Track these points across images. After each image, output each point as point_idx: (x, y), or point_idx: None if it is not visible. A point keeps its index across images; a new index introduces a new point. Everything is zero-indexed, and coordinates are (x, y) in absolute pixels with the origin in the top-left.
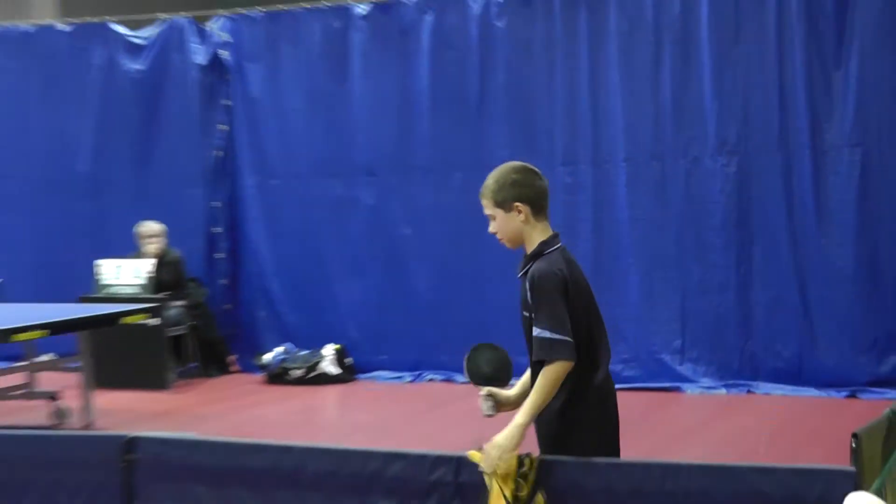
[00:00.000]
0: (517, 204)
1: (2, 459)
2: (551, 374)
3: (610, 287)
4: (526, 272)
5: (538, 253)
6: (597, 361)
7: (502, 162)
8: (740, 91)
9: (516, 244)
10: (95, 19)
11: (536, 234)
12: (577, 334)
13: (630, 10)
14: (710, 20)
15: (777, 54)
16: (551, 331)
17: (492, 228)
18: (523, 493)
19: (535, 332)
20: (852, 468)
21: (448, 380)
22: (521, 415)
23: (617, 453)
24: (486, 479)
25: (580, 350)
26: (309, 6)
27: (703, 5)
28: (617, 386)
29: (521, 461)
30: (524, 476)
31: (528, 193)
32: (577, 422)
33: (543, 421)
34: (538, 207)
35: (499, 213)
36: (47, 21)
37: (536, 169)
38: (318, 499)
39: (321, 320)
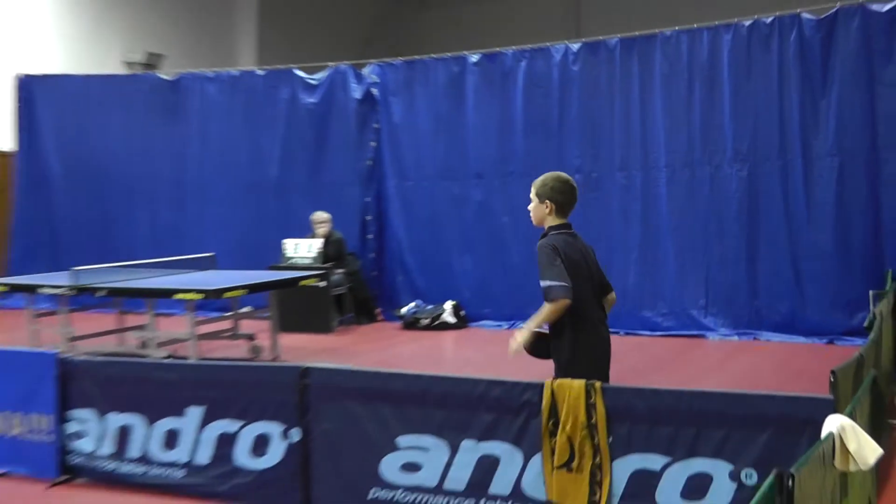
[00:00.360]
0: (547, 200)
1: (214, 382)
2: (551, 306)
3: (654, 261)
4: None
5: (545, 234)
6: (584, 317)
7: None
8: (750, 115)
9: (538, 224)
10: (282, 66)
11: (552, 223)
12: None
13: (671, 56)
14: (729, 63)
15: (778, 88)
16: (550, 279)
17: (529, 206)
18: (595, 419)
19: (542, 283)
20: (831, 397)
21: None
22: (527, 323)
23: (606, 379)
24: (563, 414)
25: (571, 308)
26: (435, 56)
27: (724, 52)
28: (658, 333)
29: (588, 392)
30: (593, 406)
31: (558, 198)
32: (576, 356)
33: (557, 354)
34: (560, 208)
35: (535, 200)
36: (248, 68)
37: (575, 184)
38: (440, 413)
39: (442, 283)
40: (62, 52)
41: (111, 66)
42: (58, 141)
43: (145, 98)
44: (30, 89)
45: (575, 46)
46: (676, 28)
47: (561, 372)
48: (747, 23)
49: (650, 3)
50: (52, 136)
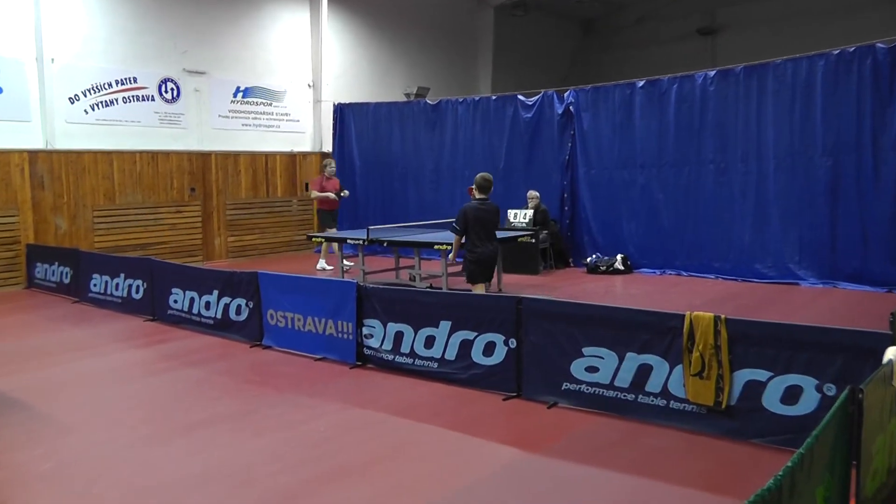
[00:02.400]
0: (472, 187)
1: (459, 305)
2: (454, 239)
3: (763, 228)
4: None
5: (467, 203)
6: (473, 243)
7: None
8: (835, 120)
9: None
10: (508, 93)
11: (475, 196)
12: (466, 231)
13: (779, 77)
14: (821, 82)
15: (856, 100)
16: (455, 224)
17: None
18: (720, 342)
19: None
20: (890, 332)
21: (677, 273)
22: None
23: (483, 277)
24: (697, 337)
25: (468, 237)
26: (612, 83)
27: (818, 74)
28: (764, 280)
29: (716, 322)
30: (719, 332)
31: (478, 183)
32: (468, 263)
33: (465, 263)
34: (479, 190)
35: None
36: (485, 94)
37: (489, 178)
38: (612, 332)
39: (615, 241)
40: (364, 88)
41: (395, 95)
42: (359, 145)
43: (416, 116)
44: (343, 112)
45: (711, 73)
46: (784, 58)
47: (465, 271)
48: (836, 52)
49: (765, 42)
50: (356, 141)
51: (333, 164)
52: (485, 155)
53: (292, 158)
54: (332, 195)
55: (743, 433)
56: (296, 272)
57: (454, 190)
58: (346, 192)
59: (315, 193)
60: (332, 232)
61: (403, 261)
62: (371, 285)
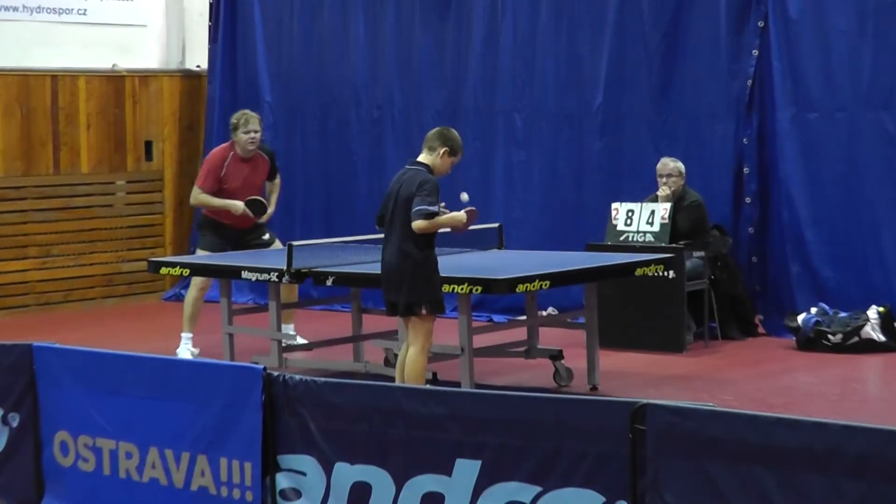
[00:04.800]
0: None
1: (498, 422)
2: None
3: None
4: None
5: None
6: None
7: None
8: None
9: None
10: None
11: None
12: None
13: None
14: None
15: None
16: None
17: None
18: None
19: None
20: None
21: None
22: None
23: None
24: None
25: None
26: None
27: None
28: None
29: None
30: None
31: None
32: None
33: None
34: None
35: None
36: None
37: (444, 131)
38: (857, 486)
39: (865, 278)
40: None
41: None
42: (272, 57)
43: None
44: None
45: None
46: None
47: None
48: None
49: None
50: (263, 49)
51: (257, 123)
52: (559, 78)
53: (117, 85)
54: (239, 207)
55: None
56: (125, 346)
57: (490, 156)
58: (270, 208)
59: (198, 194)
60: (201, 258)
61: (371, 319)
62: (298, 376)
